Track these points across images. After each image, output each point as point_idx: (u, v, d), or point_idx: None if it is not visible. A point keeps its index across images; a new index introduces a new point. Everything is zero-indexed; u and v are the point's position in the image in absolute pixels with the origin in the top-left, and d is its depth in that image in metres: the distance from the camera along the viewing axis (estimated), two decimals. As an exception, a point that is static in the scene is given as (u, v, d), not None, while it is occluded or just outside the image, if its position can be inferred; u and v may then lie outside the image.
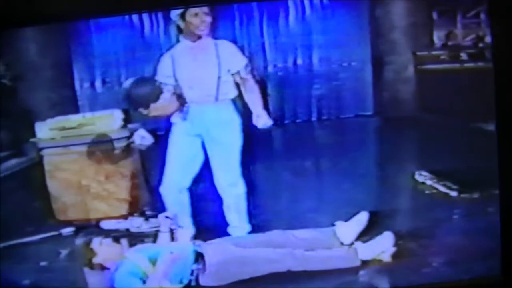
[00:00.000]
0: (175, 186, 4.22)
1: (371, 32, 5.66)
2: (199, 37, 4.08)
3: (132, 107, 4.12)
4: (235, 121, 4.20)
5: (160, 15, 5.33)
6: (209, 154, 4.19)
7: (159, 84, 4.04)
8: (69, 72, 5.46)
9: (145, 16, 5.46)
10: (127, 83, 4.12)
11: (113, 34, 5.54)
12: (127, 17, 5.48)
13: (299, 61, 5.85)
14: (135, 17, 5.52)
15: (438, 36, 5.32)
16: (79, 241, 4.01)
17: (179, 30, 4.11)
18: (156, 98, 4.02)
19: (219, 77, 4.08)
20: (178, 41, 4.16)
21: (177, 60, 4.12)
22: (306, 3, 5.77)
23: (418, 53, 5.40)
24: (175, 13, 4.07)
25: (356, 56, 5.76)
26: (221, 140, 4.16)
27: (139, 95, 4.01)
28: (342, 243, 3.86)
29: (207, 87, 4.10)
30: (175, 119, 4.17)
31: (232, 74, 4.13)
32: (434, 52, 5.30)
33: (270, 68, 5.83)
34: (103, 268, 3.74)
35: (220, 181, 4.20)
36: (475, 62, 4.78)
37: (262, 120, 4.13)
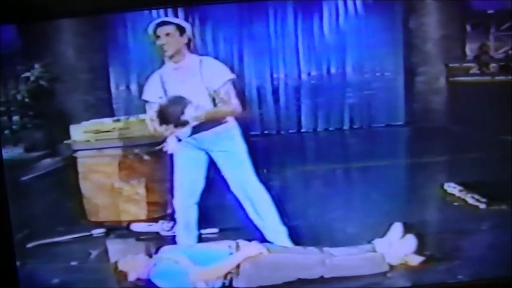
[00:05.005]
0: (183, 201, 4.21)
1: (404, 43, 5.80)
2: (183, 57, 4.09)
3: (162, 121, 3.95)
4: (235, 130, 4.16)
5: (196, 21, 5.57)
6: (220, 167, 4.16)
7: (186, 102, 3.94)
8: (105, 75, 5.65)
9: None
10: (162, 101, 4.04)
11: (149, 38, 5.77)
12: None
13: (333, 70, 5.94)
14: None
15: (470, 49, 5.37)
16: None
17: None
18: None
19: (209, 95, 4.04)
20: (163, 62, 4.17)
21: (166, 81, 4.11)
22: (341, 13, 5.98)
23: (450, 65, 5.49)
24: (149, 34, 4.10)
25: (389, 66, 5.83)
26: (227, 151, 4.14)
27: (174, 114, 3.93)
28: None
29: (201, 106, 4.01)
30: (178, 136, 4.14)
31: (215, 91, 4.05)
32: (466, 64, 5.34)
33: (304, 77, 6.00)
34: (139, 280, 3.97)
35: (236, 189, 4.17)
36: (506, 75, 4.81)
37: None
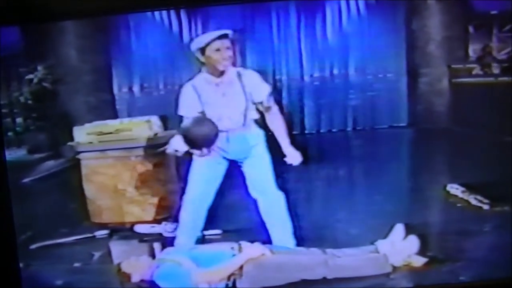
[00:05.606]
0: (196, 204, 4.14)
1: (407, 44, 5.81)
2: (222, 72, 4.00)
3: (193, 147, 3.97)
4: (260, 137, 4.15)
5: (199, 23, 5.60)
6: (243, 172, 4.14)
7: (213, 124, 3.93)
8: (108, 77, 5.66)
9: (184, 24, 5.72)
10: (185, 123, 4.00)
11: (152, 40, 5.73)
12: (166, 24, 5.72)
13: (335, 72, 5.93)
14: (174, 24, 5.74)
15: (473, 50, 5.36)
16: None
17: (201, 63, 4.04)
18: (215, 139, 3.95)
19: (246, 107, 4.04)
20: (199, 71, 4.08)
21: (202, 94, 4.03)
22: (343, 14, 5.99)
23: (453, 66, 5.48)
24: (194, 47, 3.98)
25: (392, 68, 5.85)
26: (252, 158, 4.12)
27: (200, 134, 3.92)
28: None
29: (236, 117, 4.04)
30: None
31: (254, 103, 4.08)
32: (468, 66, 5.34)
33: (306, 78, 6.01)
34: (142, 281, 3.99)
35: (257, 195, 4.14)
36: (509, 76, 4.72)
37: (290, 158, 4.09)
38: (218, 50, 3.95)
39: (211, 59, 3.97)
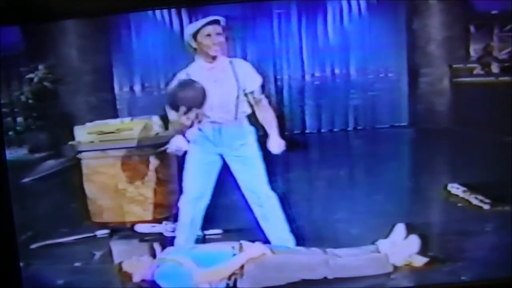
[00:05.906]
0: (193, 203, 4.09)
1: (408, 44, 5.88)
2: (214, 57, 3.95)
3: (173, 107, 3.86)
4: (252, 135, 4.08)
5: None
6: (234, 171, 4.08)
7: (202, 87, 3.85)
8: (109, 76, 5.70)
9: (185, 23, 5.70)
10: (174, 84, 3.92)
11: (153, 40, 5.77)
12: (167, 23, 5.75)
13: (336, 71, 6.01)
14: (175, 23, 5.77)
15: (474, 49, 5.39)
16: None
17: (194, 50, 3.99)
18: (201, 104, 3.84)
19: (237, 97, 3.98)
20: (193, 60, 4.02)
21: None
22: (345, 14, 6.01)
23: (454, 66, 5.51)
24: (187, 33, 3.95)
25: (393, 68, 5.92)
26: (243, 155, 4.05)
27: (184, 97, 3.82)
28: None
29: (227, 107, 3.99)
30: (193, 137, 4.05)
31: (246, 94, 4.02)
32: (469, 65, 5.37)
33: (307, 78, 6.04)
34: (143, 281, 3.98)
35: (249, 195, 4.09)
36: (509, 76, 4.78)
37: (272, 145, 4.01)
38: (208, 35, 3.89)
39: (202, 44, 3.92)
